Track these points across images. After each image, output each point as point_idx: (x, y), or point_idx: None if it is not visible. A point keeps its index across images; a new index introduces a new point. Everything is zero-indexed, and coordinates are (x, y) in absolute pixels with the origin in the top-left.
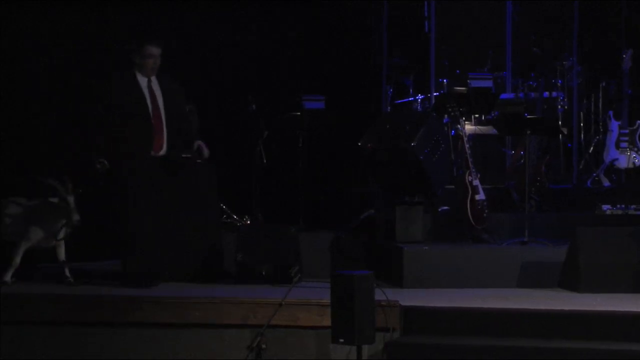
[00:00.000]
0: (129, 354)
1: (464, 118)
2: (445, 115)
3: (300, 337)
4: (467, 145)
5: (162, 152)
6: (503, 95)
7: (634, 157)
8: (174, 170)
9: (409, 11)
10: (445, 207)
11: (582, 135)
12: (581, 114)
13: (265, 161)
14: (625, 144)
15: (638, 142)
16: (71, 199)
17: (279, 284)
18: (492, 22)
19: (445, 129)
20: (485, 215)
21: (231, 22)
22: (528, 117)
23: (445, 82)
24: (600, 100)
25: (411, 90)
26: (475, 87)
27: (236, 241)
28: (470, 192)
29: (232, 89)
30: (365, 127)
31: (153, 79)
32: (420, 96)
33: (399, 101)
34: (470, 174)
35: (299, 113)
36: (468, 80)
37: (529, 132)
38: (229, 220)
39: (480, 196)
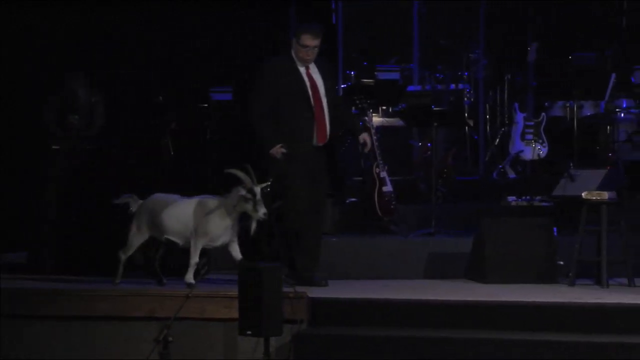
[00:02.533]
0: (36, 347)
1: (371, 110)
2: (353, 107)
3: (208, 329)
4: (374, 137)
5: (326, 141)
6: (410, 88)
7: (539, 149)
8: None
9: (316, 2)
10: (353, 199)
11: (488, 127)
12: (487, 106)
13: (172, 153)
14: (530, 136)
15: (543, 134)
16: (258, 190)
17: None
18: (400, 14)
19: None
20: (392, 206)
21: (138, 12)
22: (435, 109)
23: (353, 74)
24: (506, 92)
25: None
26: (383, 79)
27: None
28: (377, 183)
29: (139, 81)
30: None
31: (312, 65)
32: None
33: None
34: (377, 166)
35: (206, 105)
36: (375, 72)
37: (435, 124)
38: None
39: (388, 188)
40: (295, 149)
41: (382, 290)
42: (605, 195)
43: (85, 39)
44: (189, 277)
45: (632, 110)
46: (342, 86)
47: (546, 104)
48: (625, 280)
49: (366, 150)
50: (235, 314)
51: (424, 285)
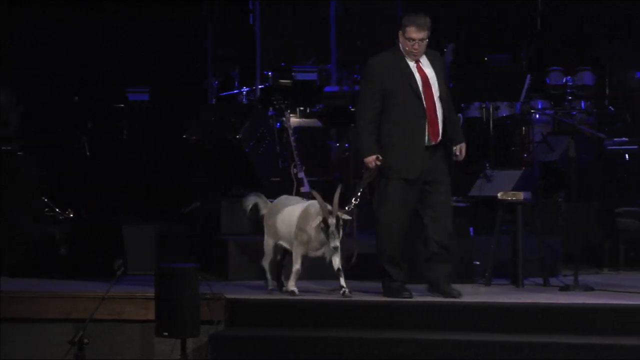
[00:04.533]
0: None
1: (289, 111)
2: (271, 108)
3: (124, 330)
4: (292, 138)
5: (440, 139)
6: (328, 88)
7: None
8: None
9: (234, 3)
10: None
11: None
12: None
13: (88, 153)
14: None
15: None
16: (332, 222)
17: (103, 277)
18: (317, 15)
19: (271, 121)
20: None
21: (55, 12)
22: (352, 109)
23: (271, 75)
24: None
25: (237, 83)
26: (300, 80)
27: (59, 235)
28: (295, 184)
29: (55, 81)
30: (191, 119)
31: (423, 59)
32: (245, 88)
33: (225, 93)
34: (295, 167)
35: (123, 105)
36: (293, 73)
37: (353, 124)
38: (51, 213)
39: (305, 188)
40: (406, 147)
41: (301, 290)
42: (520, 195)
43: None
44: (291, 284)
45: (547, 112)
46: (260, 87)
47: (462, 105)
48: (540, 280)
49: (459, 159)
50: (152, 315)
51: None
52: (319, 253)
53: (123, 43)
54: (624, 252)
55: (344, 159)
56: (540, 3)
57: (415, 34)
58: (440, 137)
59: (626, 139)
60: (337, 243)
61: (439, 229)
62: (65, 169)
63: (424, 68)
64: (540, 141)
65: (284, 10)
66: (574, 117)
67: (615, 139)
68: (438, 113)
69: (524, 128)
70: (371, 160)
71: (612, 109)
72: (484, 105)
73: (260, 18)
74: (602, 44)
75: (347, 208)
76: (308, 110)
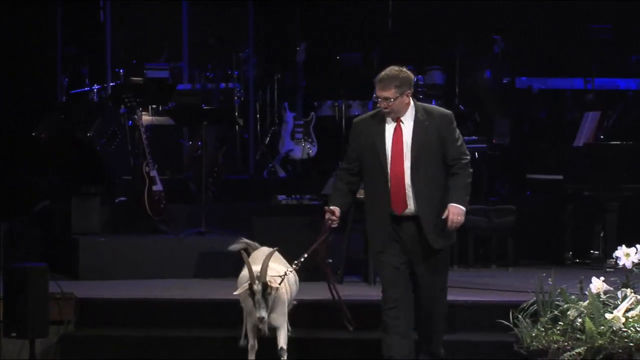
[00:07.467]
0: None
1: (141, 108)
2: (122, 106)
3: None
4: (144, 136)
5: (409, 211)
6: (180, 86)
7: (309, 147)
8: None
9: (84, 0)
10: (123, 198)
11: (258, 126)
12: (257, 105)
13: None
14: (300, 135)
15: (312, 133)
16: (257, 289)
17: None
18: (169, 12)
19: (122, 119)
20: (162, 206)
21: None
22: (205, 108)
23: (122, 72)
24: (276, 91)
25: (87, 80)
26: (152, 78)
27: None
28: (147, 183)
29: None
30: (40, 116)
31: (407, 119)
32: (96, 86)
33: (75, 91)
34: (147, 165)
35: None
36: (145, 71)
37: (205, 123)
38: None
39: (158, 187)
40: (374, 217)
41: (152, 290)
42: None
43: None
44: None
45: None
46: (111, 84)
47: (315, 103)
48: None
49: (448, 226)
50: None
51: (193, 284)
52: (251, 321)
53: None
54: (473, 249)
55: (196, 158)
56: (392, 3)
57: (379, 92)
58: (408, 208)
59: (475, 138)
60: (263, 314)
61: (420, 326)
62: None
63: (403, 129)
64: None
65: (135, 8)
66: None
67: (465, 138)
68: (407, 181)
69: None
70: (325, 211)
71: (462, 107)
72: (336, 104)
73: (111, 15)
74: (452, 44)
75: (286, 273)
76: (160, 108)
